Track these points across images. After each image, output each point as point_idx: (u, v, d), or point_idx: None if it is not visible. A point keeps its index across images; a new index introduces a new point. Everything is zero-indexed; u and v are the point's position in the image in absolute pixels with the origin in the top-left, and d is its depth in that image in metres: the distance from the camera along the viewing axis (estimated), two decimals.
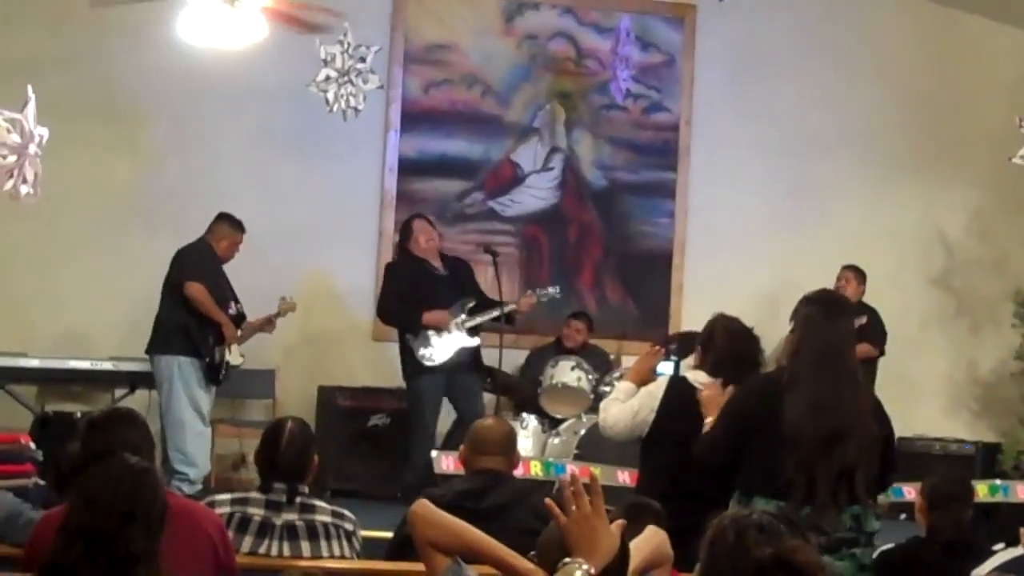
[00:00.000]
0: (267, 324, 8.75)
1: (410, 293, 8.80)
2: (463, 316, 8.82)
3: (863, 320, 9.42)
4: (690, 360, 5.86)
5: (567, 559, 2.76)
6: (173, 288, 8.32)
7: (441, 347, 8.74)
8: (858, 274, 9.70)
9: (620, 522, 2.89)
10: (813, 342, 4.76)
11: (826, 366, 4.70)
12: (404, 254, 9.06)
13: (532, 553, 3.14)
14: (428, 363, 8.70)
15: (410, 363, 8.78)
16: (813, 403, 4.62)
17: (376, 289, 9.82)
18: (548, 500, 2.92)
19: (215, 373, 8.35)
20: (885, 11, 10.75)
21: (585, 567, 2.73)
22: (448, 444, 8.45)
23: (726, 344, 5.45)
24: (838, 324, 4.81)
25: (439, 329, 8.75)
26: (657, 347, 6.10)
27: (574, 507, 2.80)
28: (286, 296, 8.83)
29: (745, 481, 4.73)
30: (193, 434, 8.25)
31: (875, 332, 9.54)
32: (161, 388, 8.30)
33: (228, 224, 8.58)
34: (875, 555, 5.30)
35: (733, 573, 2.47)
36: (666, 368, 5.81)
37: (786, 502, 4.55)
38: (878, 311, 9.61)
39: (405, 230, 9.08)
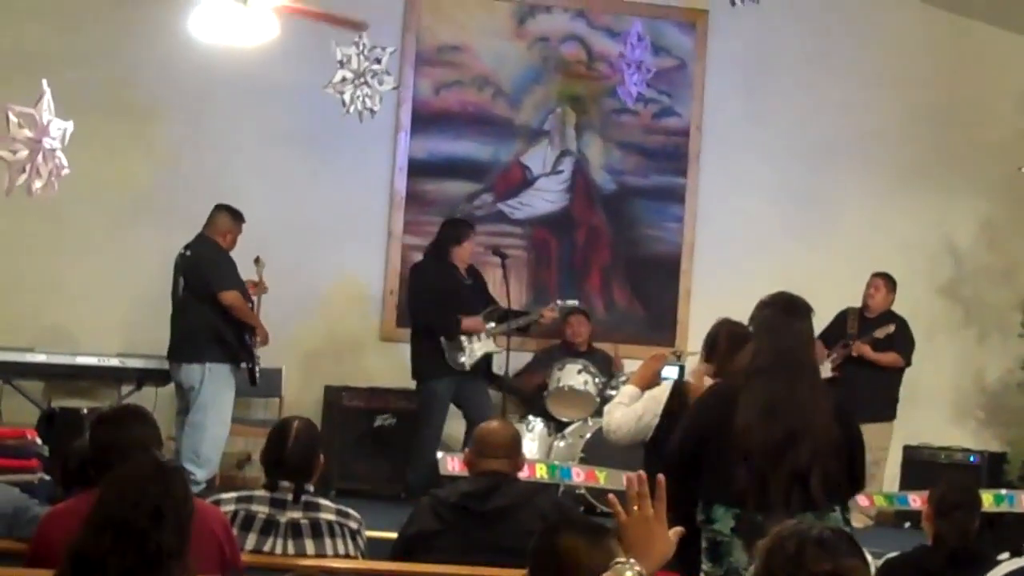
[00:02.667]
0: (260, 289, 8.70)
1: (444, 297, 8.88)
2: (491, 324, 8.91)
3: (890, 329, 9.35)
4: (694, 364, 5.86)
5: (620, 559, 2.74)
6: (200, 296, 8.29)
7: (472, 352, 8.86)
8: (888, 282, 9.59)
9: (678, 529, 2.88)
10: (771, 345, 4.72)
11: (783, 368, 4.65)
12: (438, 257, 9.06)
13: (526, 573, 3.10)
14: (458, 367, 8.83)
15: (429, 365, 8.86)
16: (765, 407, 4.57)
17: (385, 289, 9.88)
18: (611, 496, 2.91)
19: (254, 375, 8.41)
20: (897, 19, 10.74)
21: (637, 568, 2.71)
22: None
23: (730, 349, 5.44)
24: (795, 326, 4.76)
25: (471, 335, 8.85)
26: (662, 351, 6.10)
27: (636, 507, 2.79)
28: (259, 256, 8.77)
29: (705, 490, 4.69)
30: (212, 437, 8.28)
31: (903, 342, 9.47)
32: (189, 392, 8.29)
33: (229, 216, 8.52)
34: (880, 563, 5.31)
35: None
36: (671, 372, 5.80)
37: (742, 510, 4.52)
38: (907, 321, 9.57)
39: (454, 234, 9.07)
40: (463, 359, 8.85)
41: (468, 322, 8.88)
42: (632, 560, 2.73)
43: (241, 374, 8.40)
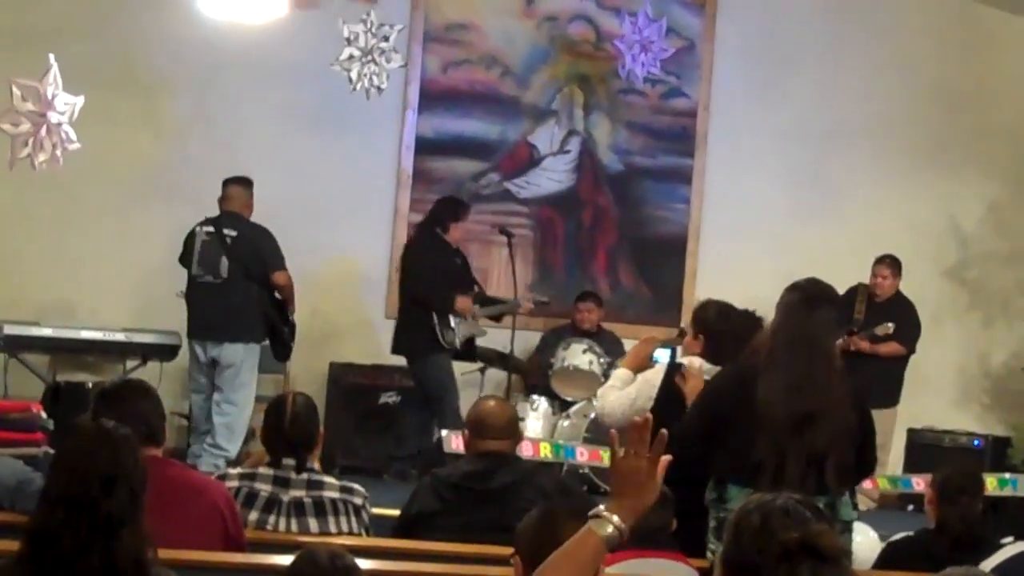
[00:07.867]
0: None
1: (440, 275, 8.87)
2: (477, 306, 8.91)
3: (889, 330, 9.17)
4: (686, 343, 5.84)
5: (602, 505, 2.71)
6: (250, 275, 8.32)
7: (459, 332, 8.85)
8: (893, 266, 9.50)
9: (667, 458, 2.79)
10: (789, 328, 4.75)
11: (800, 349, 4.68)
12: (432, 234, 9.00)
13: (512, 553, 3.08)
14: (447, 345, 8.80)
15: (428, 340, 8.82)
16: (787, 384, 4.60)
17: (391, 267, 9.86)
18: (613, 432, 2.87)
19: (289, 352, 8.61)
20: (906, 2, 10.71)
21: (616, 519, 2.68)
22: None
23: (725, 327, 5.43)
24: (817, 314, 4.79)
25: (462, 315, 8.84)
26: (653, 335, 6.09)
27: (633, 451, 2.73)
28: None
29: (719, 467, 4.72)
30: (247, 416, 8.36)
31: (906, 331, 9.35)
32: (226, 370, 8.32)
33: (243, 187, 8.54)
34: (884, 545, 5.32)
35: (758, 556, 2.46)
36: (663, 355, 5.78)
37: (756, 489, 4.52)
38: (914, 304, 9.51)
39: (454, 212, 9.05)
40: (451, 337, 8.82)
41: (461, 302, 8.85)
42: (612, 513, 2.69)
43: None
